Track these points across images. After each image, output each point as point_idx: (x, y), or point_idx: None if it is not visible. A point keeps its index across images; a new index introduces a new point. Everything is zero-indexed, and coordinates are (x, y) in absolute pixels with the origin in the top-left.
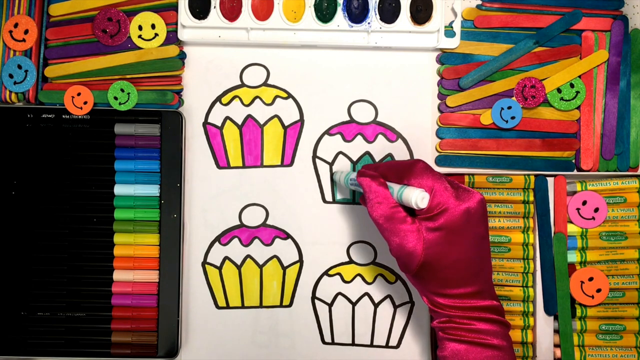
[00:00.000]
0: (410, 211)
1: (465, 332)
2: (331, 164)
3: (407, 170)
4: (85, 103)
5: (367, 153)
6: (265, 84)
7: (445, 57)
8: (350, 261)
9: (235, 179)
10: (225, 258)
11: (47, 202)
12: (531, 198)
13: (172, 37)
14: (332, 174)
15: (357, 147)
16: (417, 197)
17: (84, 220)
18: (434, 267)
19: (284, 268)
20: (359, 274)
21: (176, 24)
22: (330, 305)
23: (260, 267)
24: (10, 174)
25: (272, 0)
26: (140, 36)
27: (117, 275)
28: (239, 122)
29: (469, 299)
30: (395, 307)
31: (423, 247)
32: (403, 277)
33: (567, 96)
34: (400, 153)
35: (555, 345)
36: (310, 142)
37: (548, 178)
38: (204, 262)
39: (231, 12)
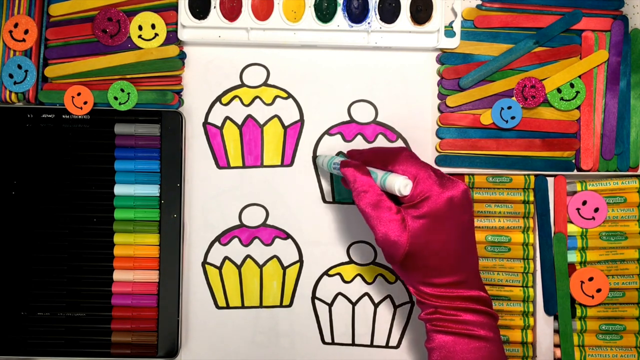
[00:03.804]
0: (396, 200)
1: (452, 324)
2: None
3: (392, 157)
4: (85, 103)
5: None
6: (265, 84)
7: (445, 57)
8: (350, 261)
9: (235, 179)
10: (225, 258)
11: (47, 202)
12: (531, 198)
13: (172, 37)
14: (314, 158)
15: (357, 147)
16: (400, 184)
17: (84, 220)
18: (419, 256)
19: (284, 268)
20: (359, 274)
21: (176, 24)
22: (330, 305)
23: (260, 267)
24: (10, 174)
25: (272, 0)
26: (140, 36)
27: (117, 275)
28: (239, 122)
29: (454, 289)
30: (395, 307)
31: (408, 236)
32: None
33: (567, 96)
34: None
35: (555, 345)
36: (310, 142)
37: (548, 178)
38: (204, 262)
39: (231, 12)
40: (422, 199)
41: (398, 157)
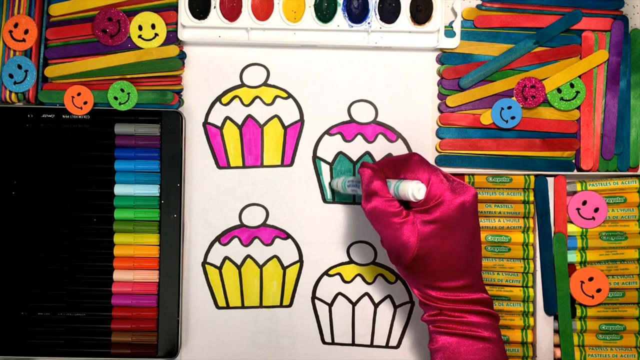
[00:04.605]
0: (405, 205)
1: (457, 325)
2: (331, 164)
3: (403, 165)
4: (85, 103)
5: (367, 153)
6: (265, 84)
7: (445, 57)
8: (350, 261)
9: (235, 179)
10: (225, 258)
11: (47, 202)
12: (531, 198)
13: (172, 37)
14: (329, 182)
15: (357, 147)
16: (413, 188)
17: (84, 220)
18: (427, 260)
19: (284, 268)
20: (359, 274)
21: (176, 24)
22: (330, 305)
23: (260, 267)
24: (10, 174)
25: (272, 0)
26: (140, 36)
27: (117, 275)
28: (239, 122)
29: (461, 292)
30: (395, 307)
31: (417, 240)
32: None
33: (567, 96)
34: (400, 153)
35: (555, 345)
36: (310, 142)
37: (548, 178)
38: (204, 262)
39: (231, 12)
40: (435, 204)
41: (409, 163)
